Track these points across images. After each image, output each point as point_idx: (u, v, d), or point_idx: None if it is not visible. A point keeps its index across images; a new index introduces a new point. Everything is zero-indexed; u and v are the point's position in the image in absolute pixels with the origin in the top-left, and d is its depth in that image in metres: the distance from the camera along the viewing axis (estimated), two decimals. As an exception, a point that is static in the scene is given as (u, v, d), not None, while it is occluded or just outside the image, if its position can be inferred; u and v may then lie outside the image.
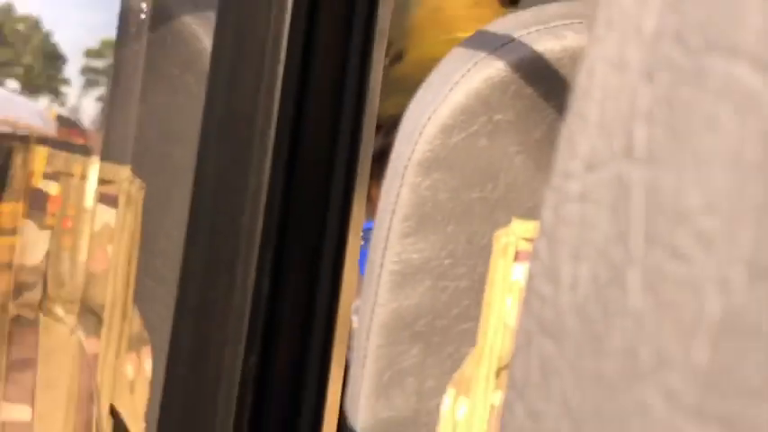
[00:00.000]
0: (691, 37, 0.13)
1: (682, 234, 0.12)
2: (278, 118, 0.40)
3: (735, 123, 0.11)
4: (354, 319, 0.63)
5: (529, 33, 0.57)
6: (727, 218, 0.11)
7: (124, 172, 0.54)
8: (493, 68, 0.57)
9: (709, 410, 0.11)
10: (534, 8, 0.60)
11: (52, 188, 0.55)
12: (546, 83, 0.57)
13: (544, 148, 0.56)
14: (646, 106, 0.13)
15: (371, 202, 0.63)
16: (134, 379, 0.55)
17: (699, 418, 0.11)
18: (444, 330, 0.58)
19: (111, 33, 0.54)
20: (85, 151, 0.58)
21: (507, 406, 0.17)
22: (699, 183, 0.12)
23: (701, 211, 0.12)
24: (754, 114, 0.11)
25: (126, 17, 0.52)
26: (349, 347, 0.61)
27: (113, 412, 0.54)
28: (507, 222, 0.56)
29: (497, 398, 0.54)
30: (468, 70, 0.57)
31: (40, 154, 0.55)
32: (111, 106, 0.56)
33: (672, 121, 0.13)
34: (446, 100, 0.57)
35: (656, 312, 0.12)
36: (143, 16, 0.52)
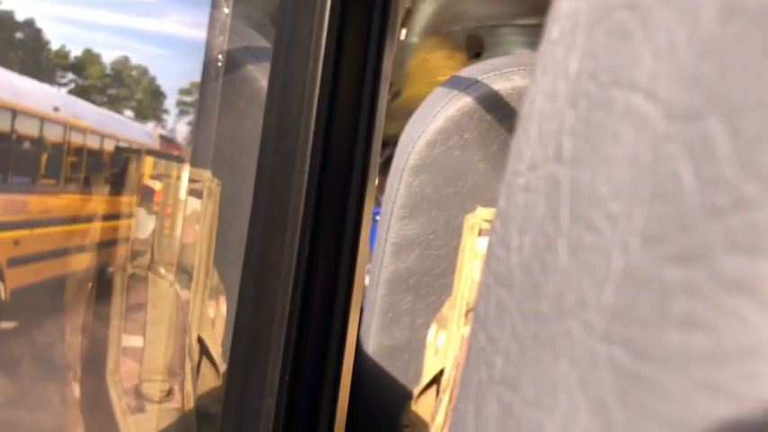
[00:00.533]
0: (602, 76, 0.12)
1: (595, 214, 0.12)
2: (314, 135, 0.39)
3: (632, 137, 0.11)
4: (367, 277, 0.63)
5: (488, 77, 0.56)
6: (627, 202, 0.11)
7: (206, 174, 0.53)
8: (463, 101, 0.56)
9: (614, 335, 0.11)
10: (491, 59, 0.60)
11: (157, 185, 0.55)
12: (499, 111, 0.56)
13: (499, 157, 0.56)
14: (570, 125, 0.13)
15: (381, 193, 0.62)
16: (214, 317, 0.55)
17: (606, 341, 0.11)
18: (429, 284, 0.58)
19: (197, 77, 0.54)
20: (179, 160, 0.57)
21: (473, 334, 0.16)
22: (607, 178, 0.12)
23: (609, 197, 0.12)
24: (645, 130, 0.11)
25: (208, 66, 0.51)
26: (363, 296, 0.61)
27: (200, 340, 0.54)
28: (473, 209, 0.55)
29: (466, 331, 0.54)
30: (446, 103, 0.57)
31: (148, 161, 0.55)
32: (197, 128, 0.55)
33: (588, 135, 0.13)
34: (431, 123, 0.57)
35: (578, 268, 0.12)
36: (219, 65, 0.51)
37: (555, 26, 0.14)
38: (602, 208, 0.12)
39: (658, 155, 0.10)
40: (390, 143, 1.02)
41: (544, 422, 0.12)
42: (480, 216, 0.54)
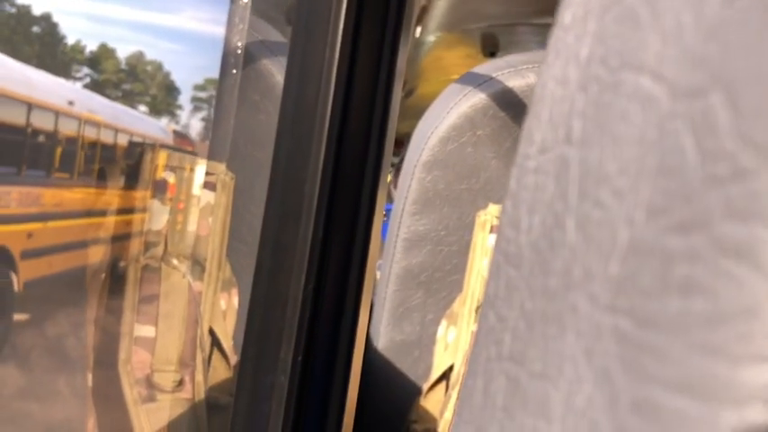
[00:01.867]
0: (611, 60, 0.13)
1: (603, 191, 0.12)
2: (328, 132, 0.40)
3: (640, 116, 0.12)
4: (378, 272, 0.63)
5: (502, 74, 0.57)
6: (633, 178, 0.12)
7: (221, 167, 0.54)
8: (477, 98, 0.56)
9: (619, 306, 0.11)
10: (506, 57, 0.60)
11: (170, 178, 0.56)
12: (513, 109, 0.57)
13: (511, 154, 0.56)
14: (580, 107, 0.14)
15: (394, 188, 0.63)
16: (226, 309, 0.55)
17: (612, 312, 0.12)
18: (440, 280, 0.58)
19: (211, 73, 0.54)
20: (193, 154, 0.58)
21: (482, 314, 0.17)
22: (614, 156, 0.12)
23: (616, 174, 0.12)
24: (652, 109, 0.11)
25: (227, 58, 0.52)
26: (374, 292, 0.61)
27: (211, 332, 0.54)
28: (485, 206, 0.56)
29: (476, 326, 0.54)
30: (460, 99, 0.57)
31: (162, 155, 0.56)
32: (214, 121, 0.56)
33: (598, 117, 0.13)
34: (444, 119, 0.57)
35: (585, 243, 0.13)
36: (238, 57, 0.52)
37: (567, 12, 0.15)
38: (609, 184, 0.12)
39: (663, 131, 0.11)
40: (404, 142, 1.02)
41: (550, 392, 0.13)
42: (492, 213, 0.54)
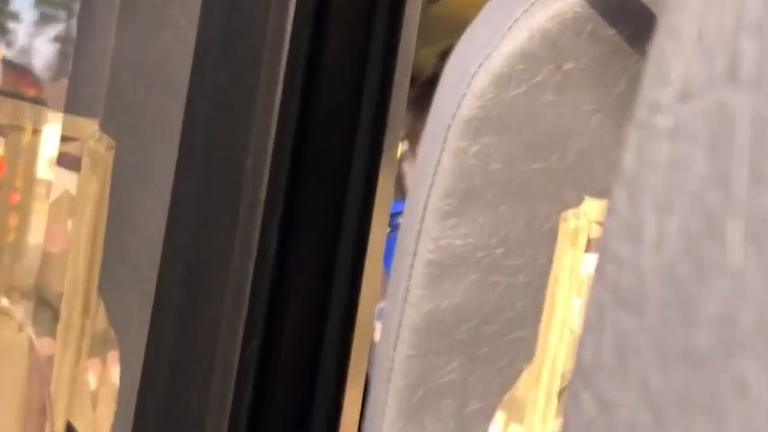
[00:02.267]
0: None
1: None
2: (288, 62, 0.40)
3: None
4: (378, 323, 0.63)
5: (610, -41, 0.57)
6: None
7: (90, 127, 0.54)
8: (564, 2, 0.57)
9: None
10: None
11: (-5, 147, 0.56)
12: (632, 22, 0.57)
13: (625, 104, 0.56)
14: (756, 17, 0.14)
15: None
16: (97, 390, 0.55)
17: None
18: (493, 339, 0.59)
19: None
20: (38, 103, 0.58)
21: (573, 397, 0.17)
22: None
23: None
24: None
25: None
26: (370, 359, 0.61)
27: (69, 429, 0.55)
28: (578, 201, 0.56)
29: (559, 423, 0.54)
30: (532, 5, 0.57)
31: (-20, 104, 0.56)
32: (76, 47, 0.56)
33: None
34: (502, 43, 0.57)
35: (762, 269, 0.13)
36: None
37: None
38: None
39: None
40: (426, 80, 1.03)
41: None
42: (590, 215, 0.55)
